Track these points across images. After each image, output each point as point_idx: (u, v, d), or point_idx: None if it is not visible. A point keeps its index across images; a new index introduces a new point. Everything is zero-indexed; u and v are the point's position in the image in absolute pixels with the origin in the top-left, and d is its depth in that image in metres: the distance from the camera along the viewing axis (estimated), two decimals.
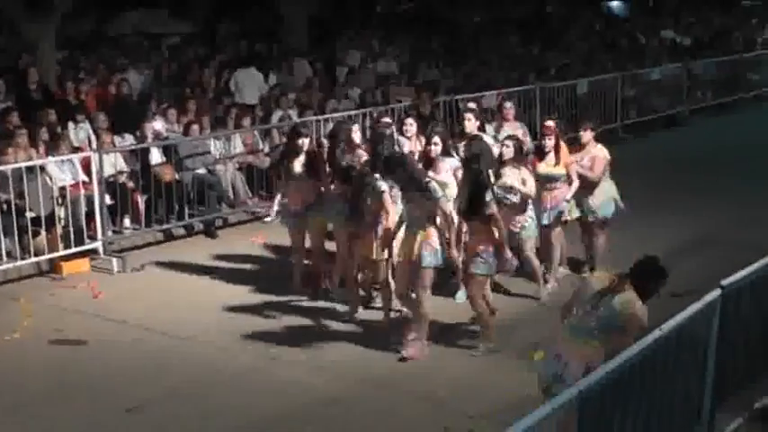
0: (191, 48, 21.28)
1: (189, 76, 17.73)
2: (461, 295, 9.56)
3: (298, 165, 10.00)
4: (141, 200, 12.44)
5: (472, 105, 12.34)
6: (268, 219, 13.46)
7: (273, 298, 10.18)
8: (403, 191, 8.58)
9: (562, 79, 19.45)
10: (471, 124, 10.65)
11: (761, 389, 7.24)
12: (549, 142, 10.20)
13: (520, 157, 9.70)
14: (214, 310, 9.87)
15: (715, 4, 35.43)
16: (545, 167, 10.18)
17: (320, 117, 14.62)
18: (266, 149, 14.22)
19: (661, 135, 20.29)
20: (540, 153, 10.31)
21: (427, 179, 8.47)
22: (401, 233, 8.67)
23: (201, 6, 27.86)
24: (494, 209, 8.37)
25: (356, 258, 9.47)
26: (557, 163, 10.16)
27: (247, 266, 11.36)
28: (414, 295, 8.57)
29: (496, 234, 8.36)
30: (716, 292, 6.31)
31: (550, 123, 10.40)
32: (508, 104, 12.48)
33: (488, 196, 8.40)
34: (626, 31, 28.44)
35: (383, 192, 8.91)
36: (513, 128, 11.82)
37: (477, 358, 8.53)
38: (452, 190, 9.23)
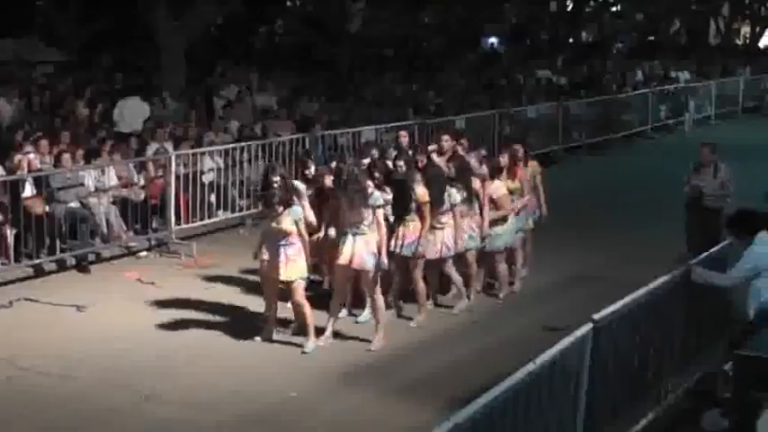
0: (65, 77, 20.82)
1: (63, 105, 17.31)
2: (366, 314, 10.26)
3: None
4: (10, 233, 12.03)
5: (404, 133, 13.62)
6: (143, 254, 13.26)
7: (148, 333, 9.98)
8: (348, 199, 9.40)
9: (440, 116, 19.71)
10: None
11: (631, 421, 7.39)
12: (503, 159, 11.42)
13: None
14: (87, 347, 9.61)
15: (589, 47, 36.61)
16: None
17: (197, 150, 14.50)
18: (141, 182, 13.97)
19: None
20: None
21: (371, 190, 9.45)
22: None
23: (77, 36, 27.36)
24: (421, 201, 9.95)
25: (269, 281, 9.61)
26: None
27: (122, 302, 11.08)
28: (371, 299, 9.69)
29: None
30: (587, 326, 6.44)
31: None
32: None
33: (415, 194, 9.98)
34: (503, 70, 29.06)
35: (299, 219, 9.29)
36: None
37: (359, 393, 8.50)
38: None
